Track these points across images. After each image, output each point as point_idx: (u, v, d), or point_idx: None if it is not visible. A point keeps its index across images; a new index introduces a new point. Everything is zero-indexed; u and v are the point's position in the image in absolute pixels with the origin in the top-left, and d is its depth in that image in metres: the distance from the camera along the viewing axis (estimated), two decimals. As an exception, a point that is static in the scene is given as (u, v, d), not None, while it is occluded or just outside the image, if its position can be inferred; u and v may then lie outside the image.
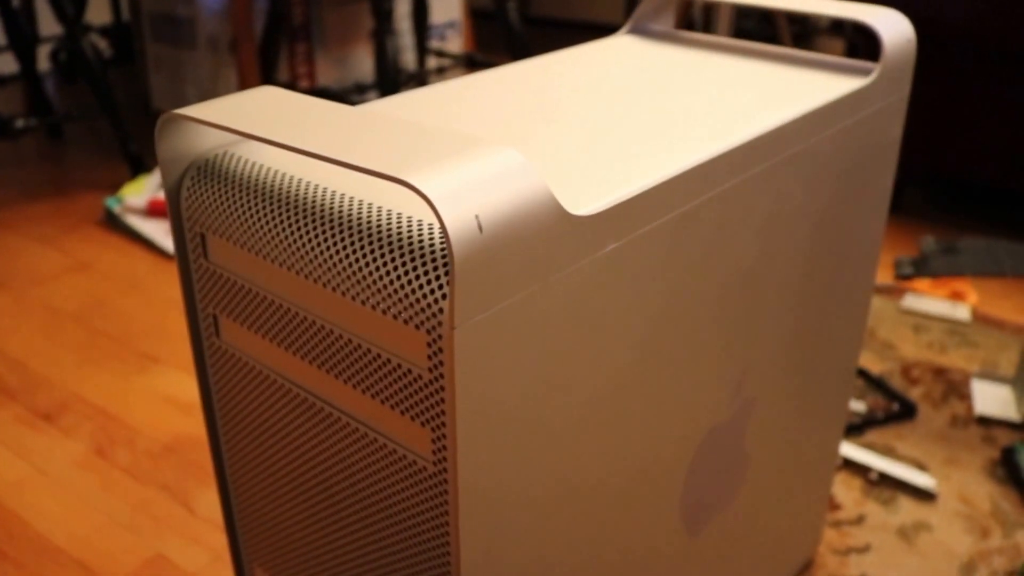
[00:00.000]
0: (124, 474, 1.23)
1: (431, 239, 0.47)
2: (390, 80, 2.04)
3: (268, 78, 2.27)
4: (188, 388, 1.42)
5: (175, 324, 1.61)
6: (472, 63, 2.58)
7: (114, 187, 2.20)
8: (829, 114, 0.73)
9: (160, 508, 1.16)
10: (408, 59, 2.68)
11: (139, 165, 2.20)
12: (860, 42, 2.03)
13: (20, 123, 2.06)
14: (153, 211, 1.99)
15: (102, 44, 3.13)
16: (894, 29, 0.82)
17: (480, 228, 0.43)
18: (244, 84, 2.14)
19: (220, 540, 1.12)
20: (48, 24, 3.06)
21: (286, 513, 0.64)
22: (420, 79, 2.50)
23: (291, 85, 2.35)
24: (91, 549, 1.10)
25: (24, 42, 2.38)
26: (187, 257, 0.61)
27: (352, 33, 2.55)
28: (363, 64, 2.60)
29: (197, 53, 2.47)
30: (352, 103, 2.18)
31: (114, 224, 2.01)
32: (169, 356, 1.51)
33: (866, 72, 0.81)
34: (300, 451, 0.60)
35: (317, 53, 2.48)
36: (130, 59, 3.15)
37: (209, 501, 1.18)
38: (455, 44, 2.83)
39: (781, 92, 0.75)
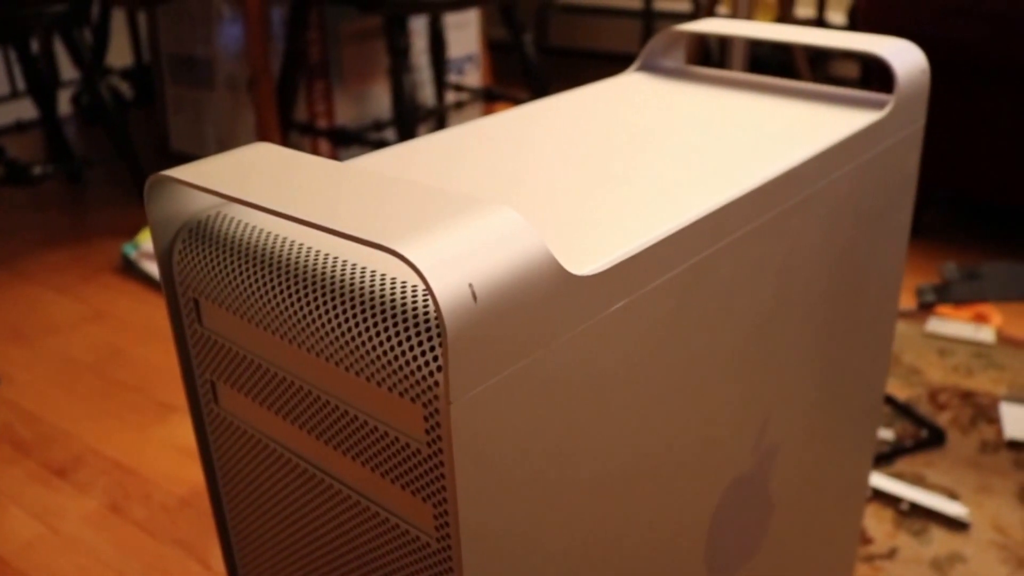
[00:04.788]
0: (139, 530, 1.21)
1: (425, 306, 0.45)
2: (408, 117, 2.03)
3: (286, 117, 2.27)
4: (207, 437, 1.40)
5: (194, 371, 1.59)
6: (490, 96, 2.57)
7: (132, 232, 2.20)
8: (843, 151, 0.70)
9: (175, 565, 1.14)
10: (427, 94, 2.67)
11: (157, 209, 2.19)
12: (875, 65, 2.01)
13: (38, 170, 2.06)
14: (171, 256, 1.97)
15: (124, 87, 3.14)
16: (906, 60, 0.79)
17: (474, 297, 0.41)
18: (262, 124, 2.13)
19: (236, 595, 1.09)
20: (69, 68, 3.08)
21: (293, 581, 0.62)
22: (439, 114, 2.49)
23: (309, 124, 2.34)
24: (103, 611, 1.08)
25: (43, 89, 2.39)
26: (182, 323, 0.59)
27: (370, 70, 2.55)
28: (382, 100, 2.60)
29: (216, 93, 2.47)
30: (370, 141, 2.17)
31: (131, 271, 2.00)
32: (187, 405, 1.48)
33: (880, 104, 0.79)
34: (303, 520, 0.58)
35: (335, 90, 2.48)
36: (152, 101, 3.16)
37: (226, 555, 1.16)
38: (473, 77, 2.83)
39: (793, 130, 0.73)
